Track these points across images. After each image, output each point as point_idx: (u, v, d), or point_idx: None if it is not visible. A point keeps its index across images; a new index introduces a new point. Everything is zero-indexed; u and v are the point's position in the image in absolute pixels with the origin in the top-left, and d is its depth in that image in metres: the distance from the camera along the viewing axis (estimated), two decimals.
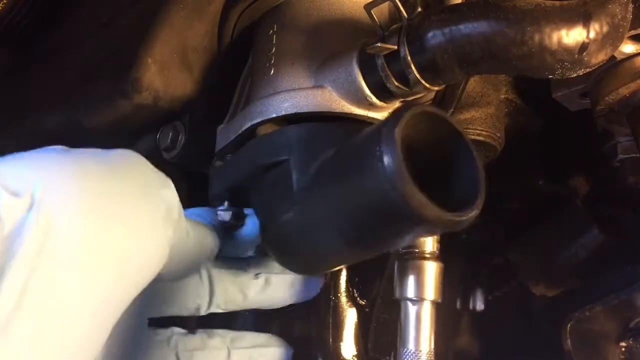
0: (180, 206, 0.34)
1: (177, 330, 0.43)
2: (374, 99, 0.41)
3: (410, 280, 0.43)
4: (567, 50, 0.34)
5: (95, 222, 0.27)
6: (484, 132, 0.59)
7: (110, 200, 0.29)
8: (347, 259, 0.40)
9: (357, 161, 0.32)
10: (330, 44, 0.44)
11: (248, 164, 0.42)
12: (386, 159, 0.29)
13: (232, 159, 0.45)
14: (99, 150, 0.32)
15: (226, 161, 0.46)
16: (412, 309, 0.43)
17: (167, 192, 0.33)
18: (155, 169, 0.34)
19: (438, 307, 0.44)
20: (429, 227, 0.31)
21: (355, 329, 0.51)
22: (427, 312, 0.43)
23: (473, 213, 0.31)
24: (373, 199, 0.31)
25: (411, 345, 0.42)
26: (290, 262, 0.41)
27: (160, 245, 0.32)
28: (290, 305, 0.45)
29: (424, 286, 0.43)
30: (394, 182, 0.29)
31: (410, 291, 0.43)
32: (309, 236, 0.37)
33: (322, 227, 0.36)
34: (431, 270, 0.44)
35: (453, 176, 0.33)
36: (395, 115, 0.31)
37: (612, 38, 0.35)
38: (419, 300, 0.43)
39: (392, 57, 0.38)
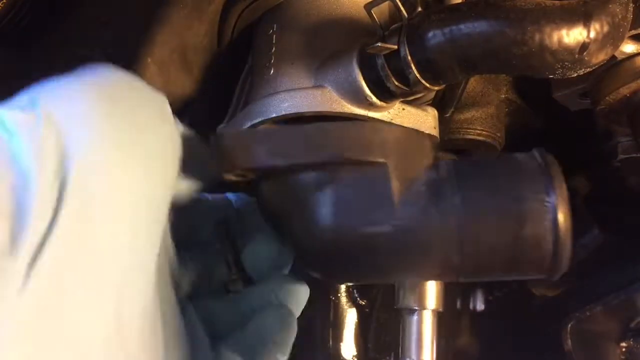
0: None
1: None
2: (374, 99, 0.40)
3: (412, 289, 0.43)
4: (568, 50, 0.34)
5: (114, 124, 0.28)
6: (484, 132, 0.59)
7: (124, 105, 0.30)
8: (424, 277, 0.40)
9: (516, 203, 0.31)
10: (330, 43, 0.44)
11: (310, 154, 0.36)
12: (557, 216, 0.29)
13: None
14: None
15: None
16: (413, 318, 0.43)
17: (172, 125, 0.34)
18: (162, 99, 0.35)
19: (440, 315, 0.44)
20: (546, 276, 0.32)
21: (355, 329, 0.51)
22: (428, 321, 0.43)
23: None
24: (522, 247, 0.30)
25: (413, 356, 0.42)
26: (341, 274, 0.39)
27: (170, 181, 0.32)
28: None
29: (425, 295, 0.43)
30: (558, 239, 0.29)
31: (412, 301, 0.43)
32: (403, 254, 0.35)
33: (430, 251, 0.34)
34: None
35: None
36: (554, 165, 0.30)
37: (612, 38, 0.35)
38: (420, 309, 0.43)
39: (392, 57, 0.38)
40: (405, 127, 0.35)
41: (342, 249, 0.37)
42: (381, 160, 0.33)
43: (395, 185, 0.33)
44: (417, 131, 0.35)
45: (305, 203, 0.36)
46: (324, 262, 0.39)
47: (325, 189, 0.35)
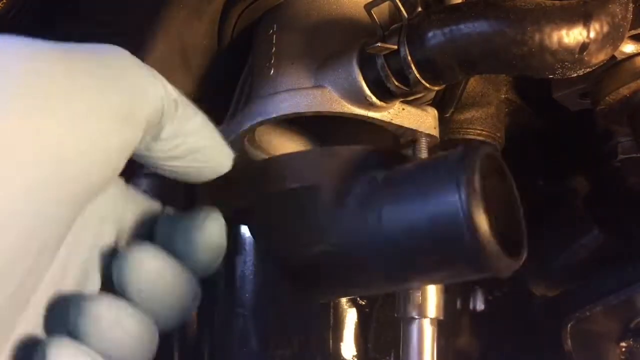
0: (165, 109, 0.31)
1: None
2: (374, 99, 0.40)
3: (412, 297, 0.43)
4: (568, 50, 0.34)
5: (27, 103, 0.25)
6: (484, 132, 0.59)
7: (55, 83, 0.26)
8: (372, 290, 0.40)
9: (430, 201, 0.31)
10: (330, 43, 0.44)
11: (256, 188, 0.38)
12: (467, 207, 0.29)
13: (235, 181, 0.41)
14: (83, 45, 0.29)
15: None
16: (413, 327, 0.43)
17: (136, 88, 0.29)
18: (136, 62, 0.31)
19: (440, 323, 0.44)
20: (484, 273, 0.31)
21: (355, 329, 0.51)
22: (429, 330, 0.43)
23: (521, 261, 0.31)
24: (442, 243, 0.30)
25: None
26: (305, 291, 0.40)
27: (111, 146, 0.28)
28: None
29: (426, 304, 0.43)
30: (473, 231, 0.28)
31: (412, 309, 0.43)
32: (344, 268, 0.36)
33: (365, 261, 0.34)
34: (432, 287, 0.43)
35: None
36: (470, 157, 0.30)
37: (612, 38, 0.35)
38: (420, 318, 0.43)
39: (392, 57, 0.38)
40: (345, 149, 0.36)
41: (296, 270, 0.38)
42: (314, 183, 0.35)
43: (328, 205, 0.34)
44: (354, 150, 0.36)
45: (263, 228, 0.39)
46: (291, 283, 0.40)
47: (274, 214, 0.37)
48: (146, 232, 0.37)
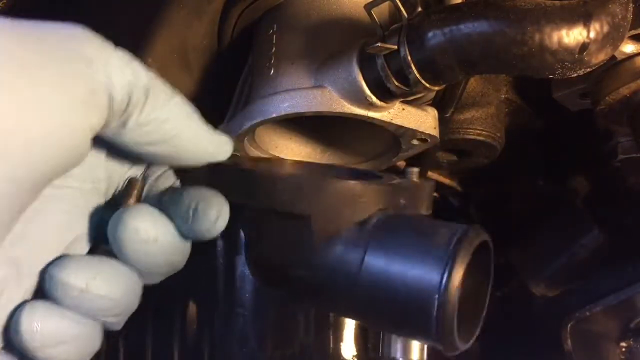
0: (125, 89, 0.30)
1: None
2: (374, 99, 0.40)
3: (396, 340, 0.43)
4: (568, 50, 0.34)
5: None
6: (484, 132, 0.59)
7: (9, 67, 0.26)
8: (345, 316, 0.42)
9: (413, 272, 0.31)
10: (330, 43, 0.44)
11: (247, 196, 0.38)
12: (445, 296, 0.29)
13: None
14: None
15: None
16: None
17: (99, 72, 0.29)
18: (102, 45, 0.30)
19: None
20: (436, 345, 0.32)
21: (355, 329, 0.51)
22: None
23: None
24: (410, 313, 0.31)
25: None
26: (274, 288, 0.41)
27: (67, 130, 0.27)
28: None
29: (410, 347, 0.43)
30: (442, 318, 0.30)
31: (396, 351, 0.43)
32: (317, 297, 0.37)
33: (338, 296, 0.35)
34: None
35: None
36: (464, 248, 0.30)
37: (612, 38, 0.35)
38: None
39: (392, 57, 0.38)
40: (341, 183, 0.35)
41: (272, 279, 0.39)
42: (304, 213, 0.35)
43: (315, 235, 0.35)
44: (354, 185, 0.35)
45: (251, 236, 0.39)
46: (263, 282, 0.40)
47: (261, 228, 0.38)
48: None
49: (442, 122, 0.48)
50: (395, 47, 0.38)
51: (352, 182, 0.35)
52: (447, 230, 0.32)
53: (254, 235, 0.39)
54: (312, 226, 0.34)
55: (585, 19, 0.34)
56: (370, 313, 0.34)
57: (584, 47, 0.34)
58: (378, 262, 0.33)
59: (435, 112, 0.46)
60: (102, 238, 0.34)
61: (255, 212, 0.38)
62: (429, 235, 0.32)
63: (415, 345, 0.42)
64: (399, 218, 0.35)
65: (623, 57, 0.48)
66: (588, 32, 0.34)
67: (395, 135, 0.45)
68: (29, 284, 0.31)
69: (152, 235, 0.32)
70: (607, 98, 0.50)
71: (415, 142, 0.46)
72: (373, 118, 0.42)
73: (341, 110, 0.41)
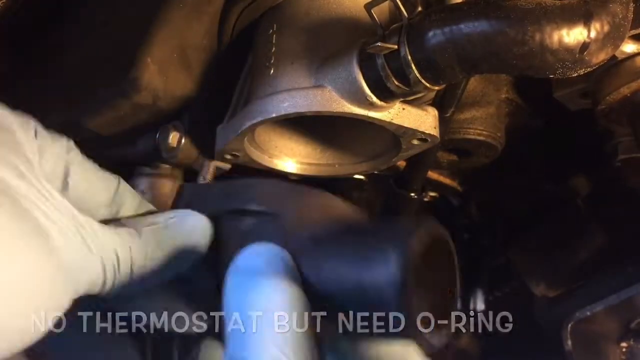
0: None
1: None
2: (374, 99, 0.40)
3: None
4: (568, 49, 0.34)
5: None
6: (484, 132, 0.59)
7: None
8: None
9: (365, 272, 0.31)
10: (330, 43, 0.44)
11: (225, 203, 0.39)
12: (398, 299, 0.29)
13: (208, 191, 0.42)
14: None
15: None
16: None
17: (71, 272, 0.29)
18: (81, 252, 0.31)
19: None
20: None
21: None
22: None
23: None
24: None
25: None
26: None
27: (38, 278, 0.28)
28: None
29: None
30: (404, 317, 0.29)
31: None
32: None
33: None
34: None
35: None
36: (407, 247, 0.30)
37: (613, 37, 0.35)
38: None
39: (393, 57, 0.38)
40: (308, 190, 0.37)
41: None
42: (272, 211, 0.36)
43: (285, 231, 0.35)
44: (318, 194, 0.36)
45: (227, 240, 0.39)
46: None
47: (236, 229, 0.38)
48: None
49: (443, 122, 0.48)
50: (396, 46, 0.38)
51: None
52: (393, 228, 0.32)
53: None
54: (280, 222, 0.36)
55: (585, 18, 0.34)
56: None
57: (584, 46, 0.34)
58: (329, 268, 0.33)
59: (436, 111, 0.46)
60: None
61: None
62: (370, 238, 0.32)
63: None
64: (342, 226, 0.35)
65: (623, 56, 0.48)
66: (589, 31, 0.34)
67: (396, 135, 0.45)
68: None
69: None
70: (607, 98, 0.50)
71: (415, 142, 0.46)
72: (373, 118, 0.42)
73: (341, 110, 0.41)
